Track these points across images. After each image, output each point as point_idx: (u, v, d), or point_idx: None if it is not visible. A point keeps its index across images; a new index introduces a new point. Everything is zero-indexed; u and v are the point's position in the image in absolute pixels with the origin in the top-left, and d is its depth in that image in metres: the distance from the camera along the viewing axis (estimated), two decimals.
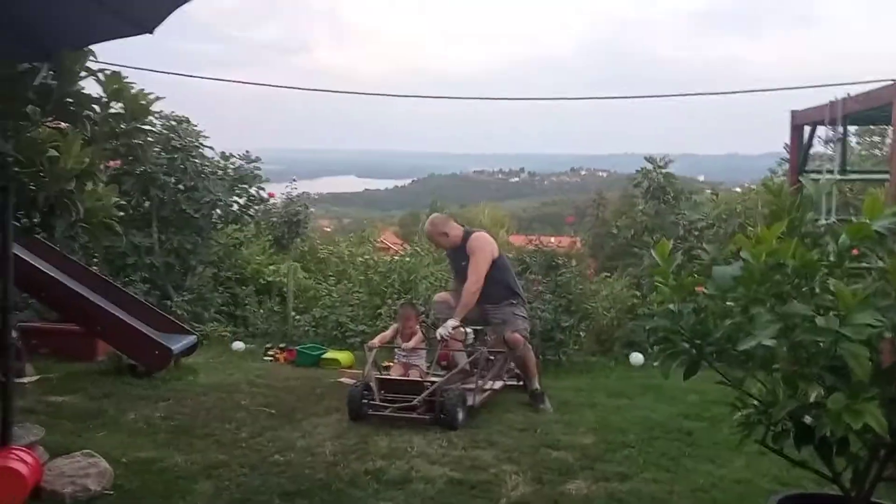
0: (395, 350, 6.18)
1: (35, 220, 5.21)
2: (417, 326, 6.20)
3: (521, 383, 6.48)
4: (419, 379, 5.73)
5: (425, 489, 4.10)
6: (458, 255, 6.42)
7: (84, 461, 4.00)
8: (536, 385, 6.21)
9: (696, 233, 10.91)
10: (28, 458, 3.85)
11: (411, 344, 6.04)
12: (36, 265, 6.49)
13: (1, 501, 3.66)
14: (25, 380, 6.19)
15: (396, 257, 11.07)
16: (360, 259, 11.54)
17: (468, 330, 6.17)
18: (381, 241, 16.57)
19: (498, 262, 6.30)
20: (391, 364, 6.29)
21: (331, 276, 11.46)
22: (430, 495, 4.01)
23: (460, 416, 5.30)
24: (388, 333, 6.27)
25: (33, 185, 4.94)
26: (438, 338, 6.01)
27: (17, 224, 5.04)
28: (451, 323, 6.00)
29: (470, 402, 5.51)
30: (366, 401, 5.46)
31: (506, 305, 6.24)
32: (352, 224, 25.20)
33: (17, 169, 4.58)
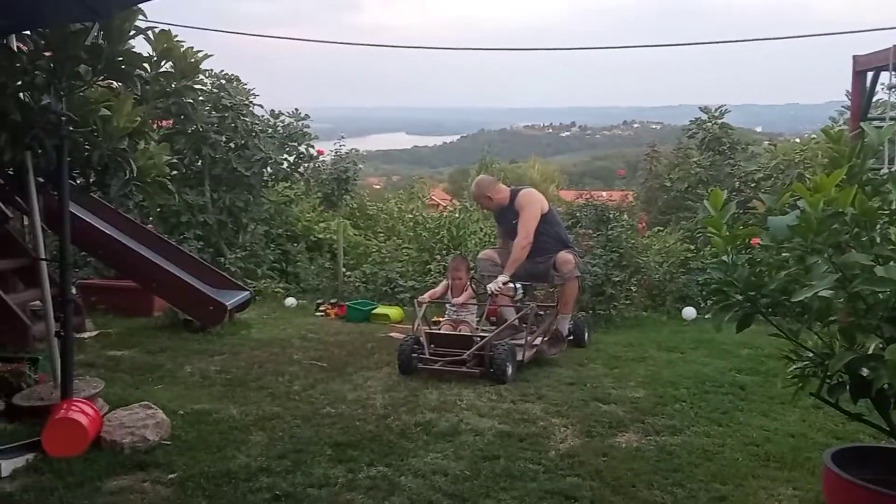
0: (446, 306, 6.21)
1: (90, 178, 5.32)
2: (468, 282, 6.18)
3: (571, 337, 6.47)
4: (469, 334, 5.75)
5: (475, 441, 4.13)
6: (507, 214, 6.40)
7: (142, 412, 4.11)
8: (566, 323, 6.28)
9: (753, 184, 10.66)
10: (89, 410, 3.98)
11: (461, 299, 6.05)
12: (93, 223, 6.64)
13: (64, 451, 3.79)
14: (85, 335, 6.39)
15: (445, 214, 11.07)
16: (409, 215, 11.58)
17: (517, 285, 6.17)
18: (431, 198, 16.56)
19: (547, 216, 6.32)
20: (441, 319, 6.32)
21: (380, 232, 11.53)
22: (480, 447, 4.03)
23: (509, 370, 5.31)
24: (438, 289, 6.28)
25: (87, 144, 5.03)
26: (488, 293, 6.01)
27: (73, 183, 5.16)
28: (502, 278, 6.03)
29: (519, 357, 5.51)
30: (416, 355, 5.49)
31: (557, 253, 6.27)
32: (401, 181, 25.17)
33: (70, 128, 4.65)
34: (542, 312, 6.31)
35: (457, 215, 10.54)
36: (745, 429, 4.37)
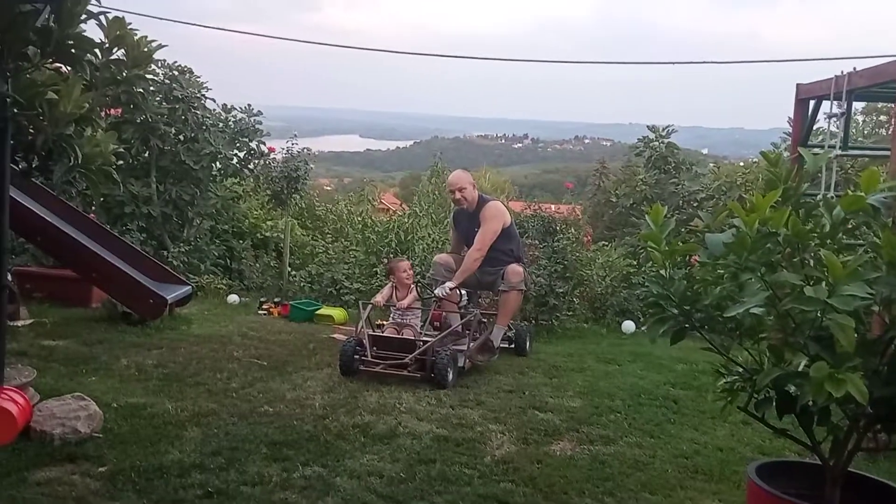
0: (391, 308, 6.19)
1: (33, 163, 5.21)
2: (412, 284, 6.21)
3: (512, 346, 6.57)
4: (412, 337, 5.76)
5: (412, 444, 4.15)
6: (469, 219, 6.52)
7: (74, 404, 4.03)
8: (500, 334, 6.34)
9: (696, 204, 10.91)
10: (19, 399, 3.89)
11: (406, 302, 6.04)
12: (33, 209, 6.47)
13: None
14: (19, 323, 6.23)
15: (395, 218, 11.08)
16: (358, 218, 11.55)
17: (463, 292, 6.30)
18: (381, 202, 16.54)
19: (507, 231, 6.47)
20: (384, 323, 6.31)
21: (328, 233, 11.48)
22: (416, 450, 4.06)
23: (450, 376, 5.35)
24: (385, 292, 6.25)
25: (32, 127, 4.92)
26: (434, 297, 6.11)
27: (15, 167, 5.04)
28: (449, 284, 6.17)
29: (460, 363, 5.57)
30: (358, 356, 5.49)
31: (507, 265, 6.39)
32: (352, 183, 25.09)
33: (15, 110, 4.55)
34: (485, 320, 6.40)
35: (406, 220, 10.55)
36: (676, 441, 4.48)
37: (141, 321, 6.57)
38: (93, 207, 8.80)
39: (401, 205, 16.64)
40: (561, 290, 7.99)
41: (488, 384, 5.54)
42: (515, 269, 6.33)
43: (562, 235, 8.59)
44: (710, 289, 2.84)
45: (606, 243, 10.54)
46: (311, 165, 10.45)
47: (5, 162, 4.21)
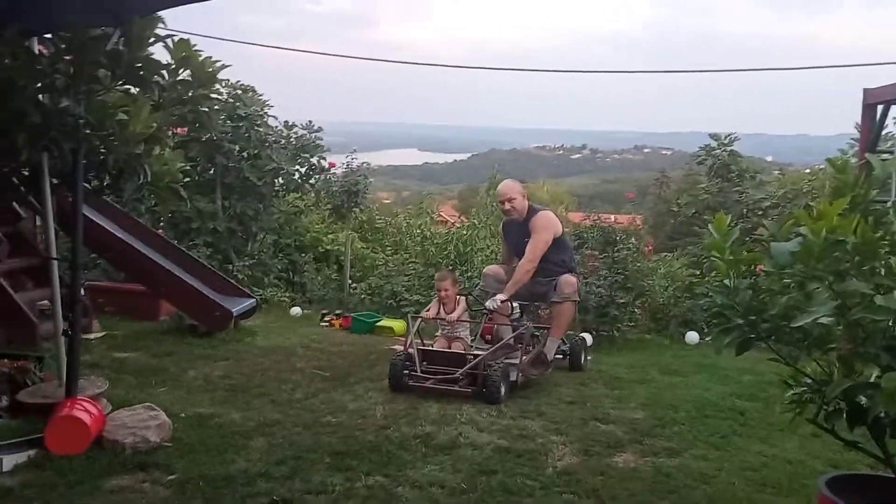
0: (439, 322, 6.13)
1: (104, 182, 5.39)
2: (459, 296, 6.10)
3: (566, 359, 6.42)
4: (462, 351, 5.67)
5: (472, 455, 4.15)
6: (519, 230, 6.33)
7: (145, 414, 4.16)
8: (555, 346, 6.14)
9: (760, 212, 10.70)
10: (92, 409, 4.03)
11: (455, 315, 5.95)
12: (104, 226, 6.71)
13: (66, 448, 3.84)
14: (92, 336, 6.45)
15: (453, 230, 11.12)
16: (417, 230, 11.63)
17: (515, 304, 6.16)
18: (439, 215, 16.61)
19: (559, 241, 6.28)
20: (437, 336, 6.19)
21: (388, 246, 11.59)
22: (477, 461, 4.06)
23: (503, 391, 5.23)
24: (433, 306, 6.15)
25: (103, 147, 5.09)
26: (486, 310, 5.99)
27: (88, 185, 5.23)
28: (500, 297, 5.99)
29: (513, 377, 5.42)
30: (407, 372, 5.38)
31: (560, 275, 6.22)
32: (410, 196, 25.25)
33: (87, 131, 4.72)
34: (538, 333, 6.19)
35: (464, 232, 10.59)
36: (743, 454, 4.39)
37: (207, 333, 6.73)
38: (161, 223, 9.07)
39: (459, 217, 16.68)
40: (622, 301, 7.91)
41: (549, 395, 5.51)
42: (569, 280, 6.16)
43: (622, 245, 8.50)
44: (777, 298, 2.78)
45: (668, 253, 10.40)
46: (371, 179, 10.62)
47: (79, 181, 4.38)
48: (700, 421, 5.01)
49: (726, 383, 6.08)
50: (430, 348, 5.73)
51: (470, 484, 3.75)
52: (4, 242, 5.90)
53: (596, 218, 9.37)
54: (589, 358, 6.57)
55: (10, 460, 3.69)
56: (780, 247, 2.69)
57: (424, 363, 5.46)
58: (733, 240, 2.94)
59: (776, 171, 13.82)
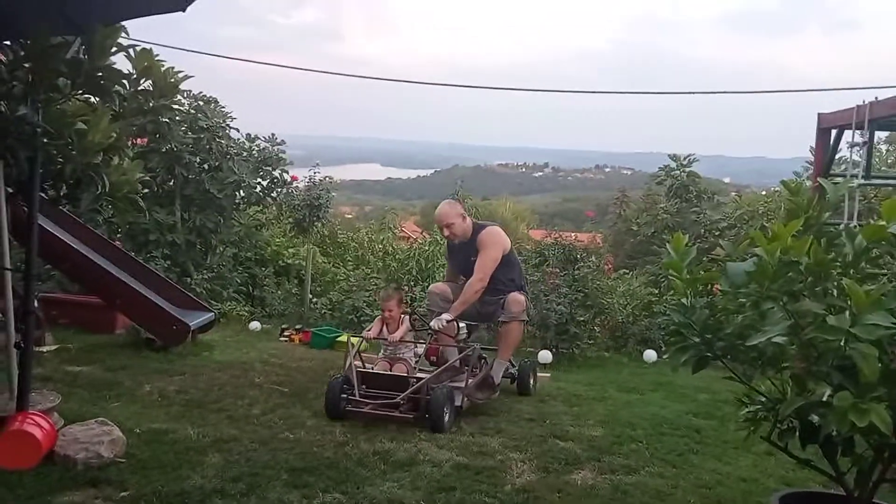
0: (381, 342, 5.74)
1: (61, 191, 5.30)
2: (403, 315, 5.70)
3: (513, 383, 6.16)
4: (404, 374, 5.28)
5: (431, 472, 4.13)
6: (465, 249, 5.99)
7: (98, 429, 4.07)
8: (501, 369, 5.85)
9: (717, 233, 10.88)
10: (43, 423, 3.92)
11: (397, 336, 5.55)
12: (60, 236, 6.58)
13: (16, 463, 3.73)
14: (44, 348, 6.30)
15: (415, 246, 11.14)
16: (379, 245, 11.62)
17: (462, 324, 5.81)
18: (402, 230, 16.61)
19: (507, 258, 5.97)
20: (378, 358, 5.68)
21: (349, 261, 11.56)
22: (437, 478, 4.04)
23: (446, 417, 4.91)
24: (375, 326, 5.75)
25: (61, 157, 5.01)
26: (431, 330, 5.68)
27: (44, 195, 5.13)
28: (446, 316, 5.66)
29: (458, 402, 5.10)
30: (345, 395, 5.04)
31: (508, 294, 5.91)
32: (373, 211, 25.23)
33: (45, 140, 4.64)
34: (485, 355, 5.93)
35: (427, 248, 10.60)
36: (699, 471, 4.44)
37: (164, 347, 6.62)
38: (118, 235, 8.92)
39: (422, 233, 16.71)
40: (582, 319, 7.98)
41: (508, 412, 5.52)
42: (517, 298, 5.84)
43: (582, 263, 8.59)
44: (732, 318, 2.84)
45: (627, 272, 10.54)
46: (333, 193, 10.58)
47: (35, 190, 4.30)
48: (657, 438, 5.06)
49: (683, 401, 6.15)
50: (370, 370, 5.34)
51: (429, 501, 3.74)
52: None
53: (557, 235, 9.45)
54: (535, 382, 6.27)
55: None
56: (735, 267, 2.75)
57: (364, 386, 5.11)
58: (690, 259, 2.99)
59: (733, 193, 14.09)
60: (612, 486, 4.12)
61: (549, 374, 6.89)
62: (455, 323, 5.72)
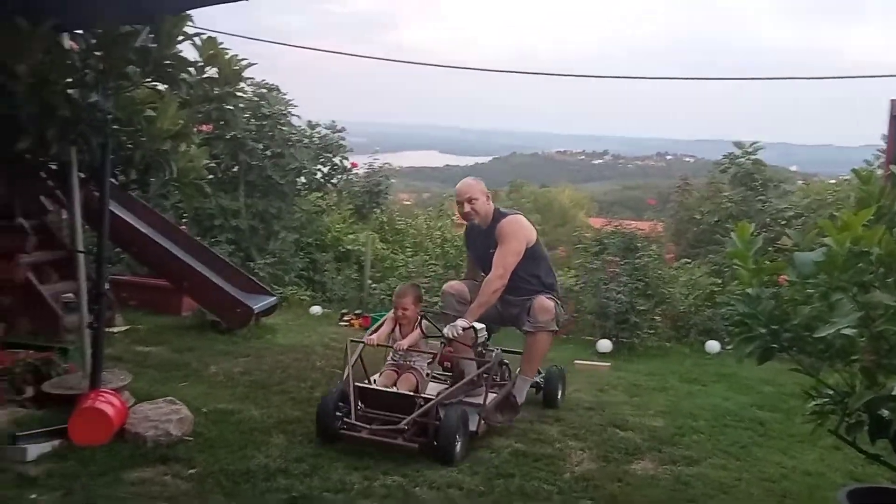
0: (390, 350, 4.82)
1: (131, 177, 5.46)
2: (418, 319, 4.86)
3: (539, 394, 5.38)
4: (410, 393, 4.38)
5: (490, 458, 4.16)
6: (484, 238, 5.15)
7: (167, 408, 4.20)
8: (526, 387, 5.11)
9: (784, 222, 10.60)
10: (115, 401, 4.07)
11: (406, 343, 4.68)
12: (129, 221, 6.78)
13: (89, 439, 3.88)
14: (115, 329, 6.51)
15: None
16: (438, 232, 11.66)
17: (480, 327, 4.86)
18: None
19: (532, 250, 5.08)
20: (385, 367, 4.84)
21: (408, 247, 11.61)
22: (495, 464, 4.06)
23: (458, 446, 4.10)
24: (385, 328, 4.88)
25: (130, 143, 5.17)
26: (445, 338, 4.77)
27: (114, 180, 5.30)
28: (461, 323, 4.76)
29: (473, 426, 4.28)
30: (340, 414, 4.23)
31: (535, 295, 5.06)
32: (431, 198, 25.29)
33: (116, 127, 4.79)
34: (508, 362, 5.20)
35: None
36: (763, 464, 4.36)
37: (229, 330, 6.77)
38: (185, 219, 9.15)
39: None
40: (642, 308, 7.88)
41: (567, 401, 5.49)
42: (544, 305, 4.97)
43: (643, 252, 8.47)
44: (799, 308, 2.77)
45: (689, 261, 10.34)
46: (392, 180, 10.65)
47: (106, 175, 4.43)
48: (719, 430, 4.99)
49: (747, 393, 6.04)
50: (370, 386, 4.51)
51: (487, 486, 3.77)
52: (31, 235, 5.99)
53: (617, 224, 9.33)
54: (564, 393, 5.46)
55: (34, 450, 3.74)
56: (803, 256, 2.68)
57: (361, 406, 4.32)
58: (756, 249, 2.93)
59: (800, 181, 13.70)
60: (673, 476, 4.08)
61: (609, 364, 6.84)
62: (472, 329, 4.82)
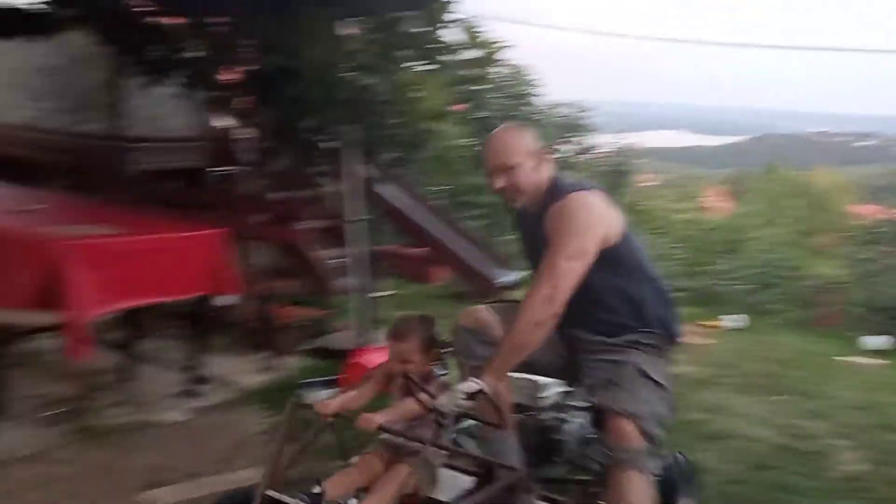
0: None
1: (396, 154, 5.84)
2: (430, 372, 2.44)
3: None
4: None
5: (747, 447, 3.99)
6: (537, 223, 2.58)
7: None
8: None
9: None
10: (381, 358, 4.40)
11: (379, 419, 2.21)
12: (392, 196, 7.22)
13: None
14: (380, 294, 7.00)
15: (721, 216, 10.68)
16: (682, 215, 11.30)
17: (529, 382, 2.87)
18: (707, 200, 15.98)
19: (616, 251, 2.54)
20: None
21: (650, 230, 11.37)
22: (752, 453, 3.90)
23: None
24: (365, 389, 2.52)
25: (398, 122, 5.53)
26: (436, 414, 2.26)
27: (382, 157, 5.69)
28: (472, 385, 2.28)
29: None
30: None
31: (624, 349, 2.54)
32: (675, 180, 24.47)
33: (387, 107, 5.13)
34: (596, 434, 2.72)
35: (735, 219, 10.11)
36: None
37: (474, 300, 7.03)
38: (439, 195, 9.58)
39: (729, 203, 15.96)
40: None
41: (832, 398, 5.13)
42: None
43: None
44: None
45: None
46: (638, 160, 10.46)
47: (375, 153, 4.78)
48: None
49: None
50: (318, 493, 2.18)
51: (743, 475, 3.63)
52: (307, 205, 6.56)
53: (893, 213, 8.51)
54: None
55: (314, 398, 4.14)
56: None
57: None
58: None
59: None
60: None
61: (884, 361, 6.29)
62: (483, 395, 2.28)
